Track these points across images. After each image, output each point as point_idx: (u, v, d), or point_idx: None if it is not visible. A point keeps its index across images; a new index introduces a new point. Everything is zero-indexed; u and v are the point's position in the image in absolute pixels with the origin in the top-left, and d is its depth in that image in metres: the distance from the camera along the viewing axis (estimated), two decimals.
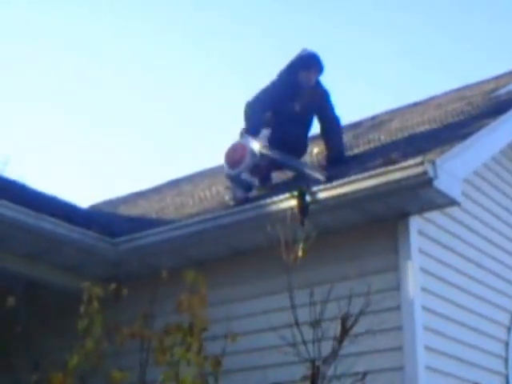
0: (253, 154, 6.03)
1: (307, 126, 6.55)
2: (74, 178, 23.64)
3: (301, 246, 4.51)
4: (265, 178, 6.25)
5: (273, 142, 6.18)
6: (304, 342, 4.39)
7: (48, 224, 5.78)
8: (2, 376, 6.17)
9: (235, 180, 6.06)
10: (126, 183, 22.65)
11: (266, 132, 6.16)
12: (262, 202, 5.52)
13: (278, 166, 6.23)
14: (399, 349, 5.05)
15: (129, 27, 20.37)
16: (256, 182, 6.03)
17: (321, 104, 6.48)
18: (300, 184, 5.41)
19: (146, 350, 4.78)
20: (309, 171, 5.83)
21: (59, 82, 23.08)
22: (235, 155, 6.08)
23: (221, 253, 5.88)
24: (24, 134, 24.36)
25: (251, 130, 6.22)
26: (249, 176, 6.02)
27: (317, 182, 5.39)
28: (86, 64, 21.72)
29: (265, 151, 6.06)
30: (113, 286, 5.09)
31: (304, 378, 4.37)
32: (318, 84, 6.52)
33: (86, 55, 21.74)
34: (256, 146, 6.05)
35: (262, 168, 6.13)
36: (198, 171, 9.36)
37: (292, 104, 6.35)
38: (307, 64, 6.43)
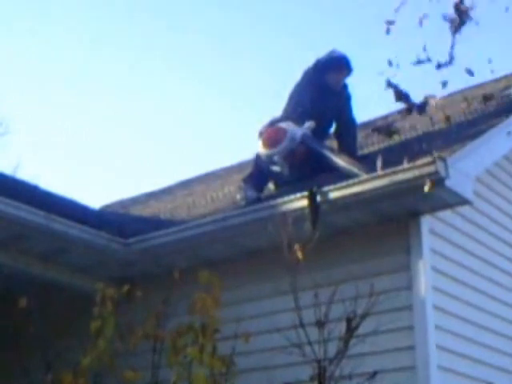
0: (292, 138, 5.89)
1: (329, 127, 6.54)
2: (85, 179, 23.70)
3: (299, 247, 4.49)
4: (296, 167, 5.98)
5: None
6: (313, 343, 4.39)
7: (60, 225, 5.80)
8: (16, 377, 6.20)
9: (266, 160, 5.91)
10: (136, 184, 22.69)
11: (310, 123, 6.02)
12: (273, 202, 5.52)
13: (315, 157, 5.99)
14: (411, 348, 5.05)
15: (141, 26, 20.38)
16: (286, 169, 5.82)
17: (342, 107, 6.46)
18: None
19: (158, 351, 4.79)
20: (348, 166, 5.63)
21: (71, 82, 23.14)
22: (274, 136, 5.95)
23: (232, 253, 5.88)
24: (36, 135, 24.45)
25: (296, 117, 6.09)
26: (281, 161, 5.85)
27: (355, 177, 5.26)
28: (94, 62, 21.77)
29: (306, 138, 5.90)
30: (126, 286, 5.10)
31: (312, 379, 4.36)
32: (345, 87, 6.51)
33: (94, 51, 21.77)
34: (298, 131, 5.92)
35: (297, 155, 5.93)
36: (209, 171, 9.36)
37: (318, 105, 6.30)
38: (338, 65, 6.38)
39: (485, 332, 5.69)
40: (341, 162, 5.79)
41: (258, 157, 6.21)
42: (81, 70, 22.37)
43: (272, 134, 6.00)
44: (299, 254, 4.48)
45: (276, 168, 5.85)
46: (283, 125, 6.03)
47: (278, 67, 20.13)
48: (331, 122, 6.54)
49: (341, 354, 4.37)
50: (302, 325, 4.45)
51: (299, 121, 6.08)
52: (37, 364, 5.47)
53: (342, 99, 6.44)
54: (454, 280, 5.48)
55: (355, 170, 5.48)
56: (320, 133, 6.39)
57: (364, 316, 4.42)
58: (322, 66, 6.37)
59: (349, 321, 4.41)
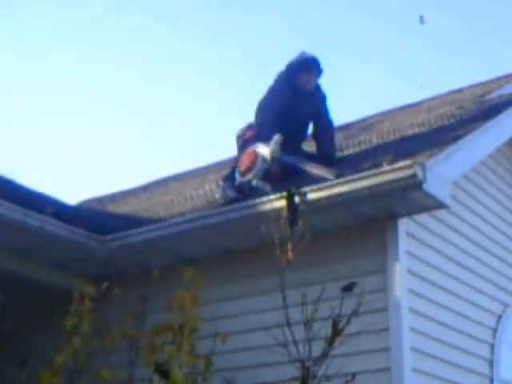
0: (264, 159, 5.95)
1: (303, 130, 6.56)
2: (63, 175, 23.56)
3: (290, 246, 4.50)
4: (277, 183, 5.97)
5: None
6: (294, 342, 4.40)
7: (36, 221, 5.76)
8: None
9: (247, 188, 5.97)
10: (114, 181, 22.59)
11: (277, 137, 6.06)
12: (252, 201, 5.53)
13: (290, 169, 6.05)
14: (386, 350, 5.08)
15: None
16: (268, 187, 5.84)
17: (318, 108, 6.49)
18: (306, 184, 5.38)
19: (134, 349, 4.77)
20: (319, 171, 5.70)
21: (45, 75, 22.97)
22: (246, 162, 6.02)
23: (210, 252, 5.88)
24: (11, 129, 24.24)
25: (262, 135, 6.15)
26: (260, 183, 5.90)
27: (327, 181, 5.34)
28: (71, 57, 21.62)
29: (276, 155, 5.96)
30: (104, 284, 5.08)
31: (294, 379, 4.37)
32: (318, 87, 6.53)
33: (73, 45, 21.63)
34: (266, 151, 5.98)
35: (274, 173, 6.00)
36: (187, 170, 9.35)
37: (292, 107, 6.32)
38: (308, 67, 6.40)
39: (459, 335, 5.74)
40: (312, 169, 5.85)
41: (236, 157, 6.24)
42: (57, 66, 22.22)
43: (244, 161, 6.07)
44: (289, 254, 4.49)
45: (259, 190, 5.89)
46: (253, 148, 6.09)
47: (253, 66, 20.13)
48: (308, 124, 6.56)
49: (326, 354, 4.38)
50: (288, 324, 4.45)
51: (271, 128, 6.13)
52: (11, 361, 5.44)
53: (316, 100, 6.46)
54: (429, 283, 5.52)
55: (325, 173, 5.55)
56: (298, 136, 6.43)
57: (350, 317, 4.43)
58: (292, 69, 6.41)
59: (335, 322, 4.42)
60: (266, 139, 6.08)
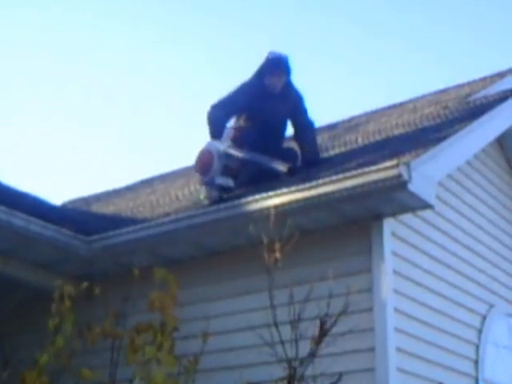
0: (219, 156, 5.98)
1: (281, 129, 6.54)
2: (48, 175, 23.48)
3: (277, 246, 4.49)
4: (238, 177, 6.10)
5: (249, 145, 6.17)
6: (281, 342, 4.40)
7: (20, 221, 5.73)
8: None
9: (211, 185, 6.01)
10: (99, 181, 22.53)
11: (229, 131, 6.13)
12: (236, 202, 5.52)
13: (246, 163, 6.11)
14: (371, 350, 5.07)
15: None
16: (231, 182, 5.93)
17: (293, 108, 6.43)
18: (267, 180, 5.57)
19: (116, 349, 4.76)
20: (272, 165, 5.85)
21: (31, 78, 22.91)
22: (203, 162, 6.05)
23: (196, 252, 5.87)
24: None
25: (214, 132, 6.17)
26: (223, 179, 5.94)
27: (281, 174, 5.56)
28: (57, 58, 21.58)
29: (229, 151, 6.01)
30: (85, 284, 5.06)
31: (281, 379, 4.36)
32: (290, 87, 6.42)
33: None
34: (220, 147, 6.01)
35: (233, 168, 6.03)
36: (171, 170, 9.34)
37: (263, 108, 6.30)
38: (271, 68, 6.32)
39: (444, 335, 5.75)
40: (264, 161, 5.95)
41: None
42: (39, 67, 22.14)
43: (200, 161, 6.10)
44: (277, 254, 4.49)
45: (223, 186, 5.96)
46: (206, 147, 6.11)
47: (238, 68, 20.14)
48: (284, 124, 6.53)
49: (312, 355, 4.38)
50: (275, 324, 4.45)
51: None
52: None
53: (289, 101, 6.40)
54: (414, 283, 5.52)
55: (279, 166, 5.73)
56: (274, 137, 6.41)
57: (338, 317, 4.43)
58: (260, 70, 6.38)
59: (322, 323, 4.42)
60: (217, 136, 6.11)
